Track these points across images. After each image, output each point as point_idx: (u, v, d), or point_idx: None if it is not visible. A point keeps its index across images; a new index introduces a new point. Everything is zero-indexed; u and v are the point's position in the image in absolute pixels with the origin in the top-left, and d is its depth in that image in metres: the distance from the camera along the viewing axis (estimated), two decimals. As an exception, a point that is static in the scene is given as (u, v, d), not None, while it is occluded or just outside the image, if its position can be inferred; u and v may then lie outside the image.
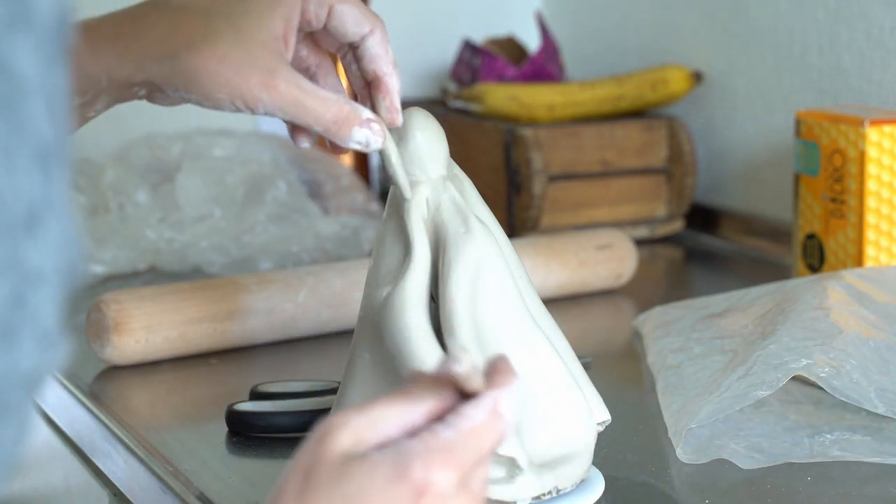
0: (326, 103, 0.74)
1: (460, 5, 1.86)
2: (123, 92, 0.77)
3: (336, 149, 0.78)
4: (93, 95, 0.76)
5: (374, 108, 0.77)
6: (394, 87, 0.77)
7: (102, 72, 0.75)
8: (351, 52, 0.78)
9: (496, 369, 0.59)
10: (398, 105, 0.77)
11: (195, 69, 0.73)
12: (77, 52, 0.73)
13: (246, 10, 0.74)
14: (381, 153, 0.77)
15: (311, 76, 0.80)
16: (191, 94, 0.75)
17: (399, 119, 0.77)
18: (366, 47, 0.77)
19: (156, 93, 0.77)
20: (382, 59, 0.77)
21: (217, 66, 0.73)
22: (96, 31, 0.75)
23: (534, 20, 1.73)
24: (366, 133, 0.75)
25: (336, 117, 0.74)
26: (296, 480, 0.56)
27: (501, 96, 1.51)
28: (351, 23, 0.76)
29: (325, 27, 0.77)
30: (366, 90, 0.78)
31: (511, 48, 1.70)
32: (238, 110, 0.74)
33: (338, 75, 0.81)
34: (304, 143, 0.79)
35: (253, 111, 0.74)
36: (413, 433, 0.57)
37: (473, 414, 0.57)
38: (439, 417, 0.58)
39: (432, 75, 1.76)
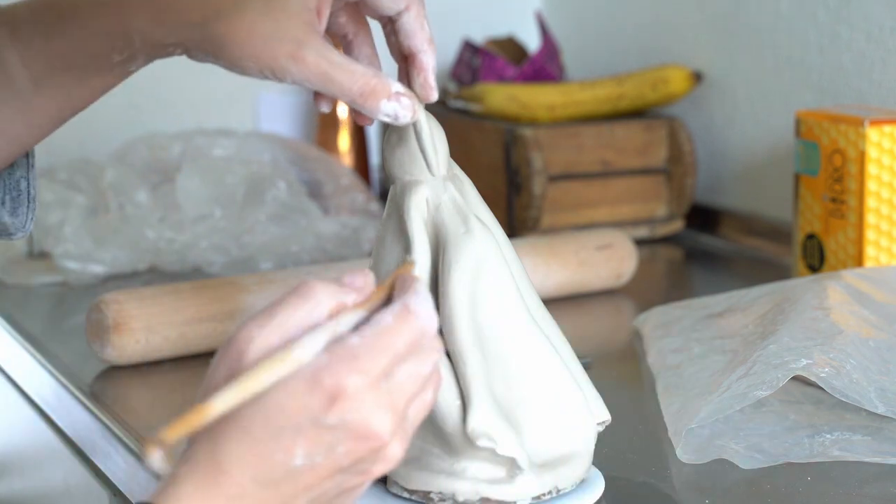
0: (354, 76, 0.73)
1: (460, 5, 1.86)
2: (159, 51, 0.78)
3: (362, 119, 0.78)
4: (129, 54, 0.77)
5: (409, 83, 0.77)
6: (428, 63, 0.76)
7: (136, 33, 0.76)
8: (390, 24, 0.78)
9: (402, 284, 0.66)
10: (433, 82, 0.76)
11: (224, 37, 0.73)
12: (110, 13, 0.74)
13: None
14: (414, 127, 0.76)
15: (348, 44, 0.80)
16: (219, 60, 0.75)
17: (433, 95, 0.77)
18: (402, 23, 0.76)
19: (192, 52, 0.77)
20: (418, 35, 0.76)
21: (246, 36, 0.73)
22: None
23: (534, 20, 1.73)
24: (394, 106, 0.74)
25: (362, 90, 0.73)
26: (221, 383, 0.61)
27: (501, 96, 1.51)
28: None
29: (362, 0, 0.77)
30: (404, 63, 0.78)
31: (511, 48, 1.70)
32: (266, 78, 0.74)
33: (374, 46, 0.80)
34: (325, 108, 0.79)
35: (281, 80, 0.74)
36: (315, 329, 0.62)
37: (381, 319, 0.63)
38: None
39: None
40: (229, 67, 0.75)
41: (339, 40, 0.81)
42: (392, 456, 0.63)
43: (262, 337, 0.62)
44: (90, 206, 1.41)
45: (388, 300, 0.67)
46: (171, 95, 1.71)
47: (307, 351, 0.62)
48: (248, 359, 0.62)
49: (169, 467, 0.57)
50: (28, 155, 0.85)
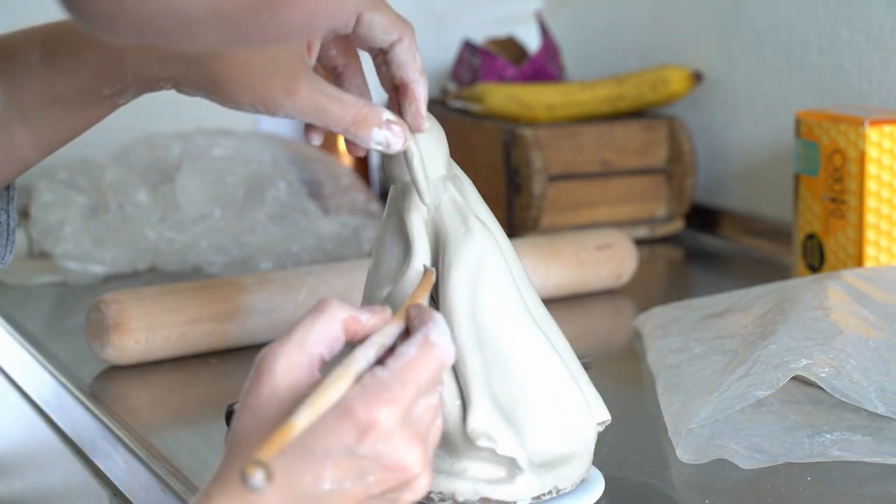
0: (346, 106, 0.74)
1: (460, 5, 1.86)
2: (150, 85, 0.78)
3: (355, 149, 0.79)
4: (120, 87, 0.77)
5: (400, 113, 0.77)
6: (420, 93, 0.77)
7: (129, 67, 0.76)
8: (381, 55, 0.79)
9: (418, 314, 0.68)
10: (424, 111, 0.77)
11: (217, 73, 0.74)
12: (102, 46, 0.74)
13: None
14: (405, 155, 0.77)
15: (338, 76, 0.81)
16: (213, 94, 0.76)
17: (424, 125, 0.77)
18: (394, 54, 0.77)
19: (182, 87, 0.78)
20: (410, 66, 0.77)
21: (239, 72, 0.74)
22: None
23: (534, 20, 1.73)
24: (385, 134, 0.75)
25: (355, 118, 0.74)
26: (251, 421, 0.63)
27: (501, 96, 1.51)
28: (379, 31, 0.77)
29: (353, 32, 0.77)
30: (394, 93, 0.79)
31: (511, 48, 1.70)
32: (259, 112, 0.75)
33: (364, 76, 0.81)
34: (316, 141, 0.79)
35: (273, 114, 0.75)
36: (333, 344, 0.66)
37: (406, 351, 0.64)
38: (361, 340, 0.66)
39: (432, 75, 1.76)
40: (222, 102, 0.76)
41: (329, 72, 0.81)
42: (421, 487, 0.65)
43: (286, 353, 0.65)
44: (90, 206, 1.41)
45: (406, 328, 0.69)
46: (171, 95, 1.70)
47: (362, 363, 0.65)
48: (277, 375, 0.64)
49: (267, 484, 0.59)
50: (9, 188, 0.84)
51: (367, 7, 0.76)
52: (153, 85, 0.78)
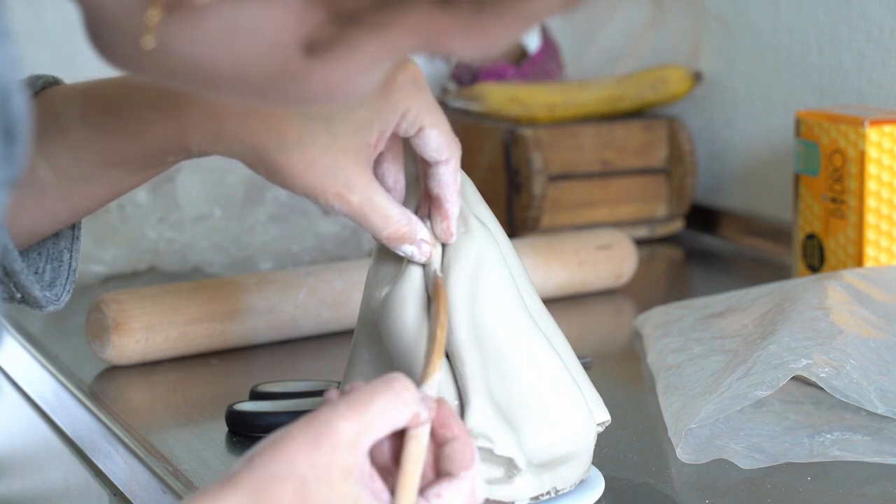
0: (387, 221, 0.77)
1: (460, 5, 1.85)
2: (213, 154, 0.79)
3: None
4: (184, 157, 0.79)
5: (429, 214, 0.80)
6: (454, 213, 0.79)
7: (194, 145, 0.77)
8: (426, 163, 0.80)
9: (459, 452, 0.67)
10: (454, 229, 0.79)
11: (281, 168, 0.76)
12: (170, 124, 0.75)
13: (347, 118, 0.76)
14: (425, 262, 0.79)
15: (380, 155, 0.82)
16: (272, 180, 0.77)
17: (452, 240, 0.80)
18: (438, 171, 0.79)
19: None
20: (449, 186, 0.80)
21: (303, 170, 0.76)
22: (193, 106, 0.76)
23: (534, 20, 1.73)
24: (413, 250, 0.78)
25: (391, 235, 0.77)
26: (293, 485, 0.61)
27: (501, 96, 1.51)
28: (432, 147, 0.79)
29: (410, 139, 0.79)
30: (426, 196, 0.80)
31: (511, 48, 1.70)
32: (310, 200, 0.78)
33: (403, 161, 0.82)
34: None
35: (322, 207, 0.79)
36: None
37: (450, 498, 0.65)
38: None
39: (432, 75, 1.76)
40: (275, 184, 0.78)
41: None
42: None
43: (350, 432, 0.64)
44: (90, 206, 1.40)
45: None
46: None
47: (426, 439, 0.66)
48: (338, 450, 0.63)
49: None
50: (74, 227, 0.84)
51: (429, 122, 0.78)
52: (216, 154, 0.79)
